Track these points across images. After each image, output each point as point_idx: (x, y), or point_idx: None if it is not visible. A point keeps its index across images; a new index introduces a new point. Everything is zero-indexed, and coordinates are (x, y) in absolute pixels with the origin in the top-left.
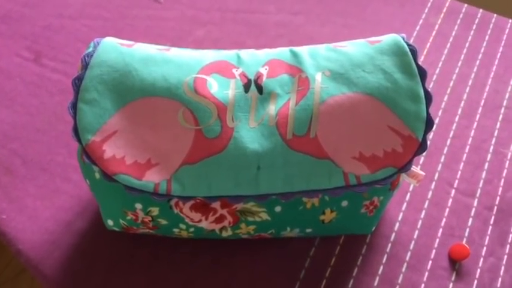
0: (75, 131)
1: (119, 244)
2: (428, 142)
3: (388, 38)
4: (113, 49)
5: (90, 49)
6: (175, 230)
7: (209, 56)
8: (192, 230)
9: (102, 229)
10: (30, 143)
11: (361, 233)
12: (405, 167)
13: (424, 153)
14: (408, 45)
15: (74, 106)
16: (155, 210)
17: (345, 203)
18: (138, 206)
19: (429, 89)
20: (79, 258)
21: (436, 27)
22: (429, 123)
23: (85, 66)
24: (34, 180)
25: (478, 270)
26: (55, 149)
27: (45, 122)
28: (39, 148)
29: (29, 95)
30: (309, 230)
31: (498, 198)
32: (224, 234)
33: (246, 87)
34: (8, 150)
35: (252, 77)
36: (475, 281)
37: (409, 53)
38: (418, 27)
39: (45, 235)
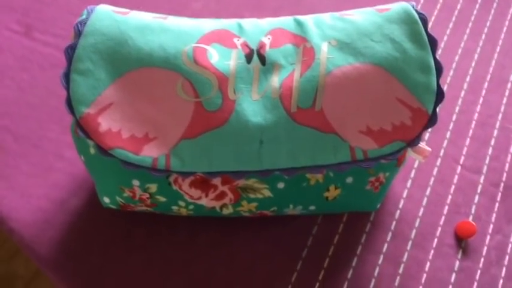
0: (69, 103)
1: (116, 223)
2: None
3: (397, 6)
4: (107, 17)
5: (84, 17)
6: (174, 208)
7: (209, 24)
8: (191, 207)
9: (97, 207)
10: (22, 119)
11: (366, 210)
12: (414, 141)
13: (429, 129)
14: (418, 13)
15: (67, 77)
16: (153, 187)
17: (349, 180)
18: (136, 182)
19: None
20: (74, 237)
21: (441, 0)
22: (439, 95)
23: (78, 34)
24: (26, 157)
25: (485, 248)
26: (47, 125)
27: (37, 97)
28: (31, 124)
29: (20, 70)
30: (312, 208)
31: (505, 174)
32: (225, 211)
33: (248, 57)
34: None
35: (254, 47)
36: (482, 259)
37: (420, 22)
38: (422, 0)
39: (39, 213)
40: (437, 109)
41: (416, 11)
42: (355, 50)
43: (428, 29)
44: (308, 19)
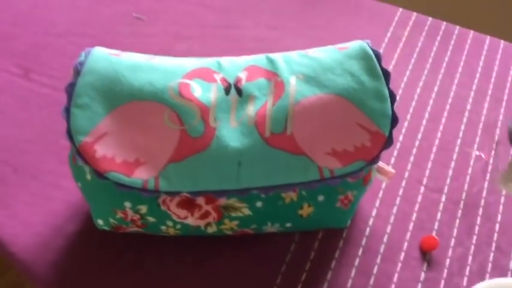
0: (69, 133)
1: (108, 245)
2: (399, 143)
3: (355, 44)
4: (102, 58)
5: (82, 58)
6: (163, 228)
7: (191, 63)
8: (178, 227)
9: (92, 232)
10: (21, 153)
11: (338, 227)
12: (374, 160)
13: (395, 154)
14: (373, 50)
15: (68, 110)
16: (143, 208)
17: (321, 198)
18: (128, 204)
19: (398, 95)
20: (70, 259)
21: (403, 39)
22: (394, 119)
23: (77, 73)
24: (25, 188)
25: (448, 260)
26: (45, 158)
27: (35, 133)
28: (30, 158)
29: (19, 109)
30: (288, 225)
31: (464, 193)
32: (209, 230)
33: (227, 90)
34: (0, 160)
35: (232, 81)
36: (445, 270)
37: (374, 57)
38: (386, 40)
39: (37, 238)
40: (399, 137)
41: (371, 48)
42: (319, 83)
43: (389, 68)
44: (278, 57)
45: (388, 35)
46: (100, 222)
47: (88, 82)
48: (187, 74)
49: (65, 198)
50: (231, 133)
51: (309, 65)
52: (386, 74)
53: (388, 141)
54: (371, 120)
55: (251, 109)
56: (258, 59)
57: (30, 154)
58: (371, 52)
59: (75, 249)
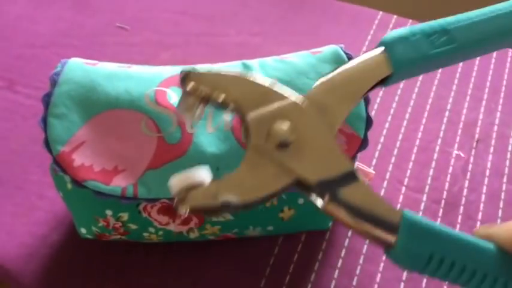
0: (46, 143)
1: (93, 254)
2: (380, 145)
3: (328, 49)
4: (78, 67)
5: (58, 68)
6: (145, 234)
7: (168, 70)
8: (161, 233)
9: (76, 240)
10: (6, 164)
11: (320, 229)
12: None
13: (376, 155)
14: (346, 53)
15: (44, 120)
16: (125, 216)
17: (301, 201)
18: (109, 212)
19: (378, 97)
20: (54, 268)
21: None
22: (368, 121)
23: (53, 84)
24: (10, 199)
25: None
26: (30, 168)
27: (20, 144)
28: (14, 169)
29: (3, 120)
30: (270, 228)
31: (445, 192)
32: (192, 236)
33: None
34: None
35: None
36: None
37: (347, 61)
38: (367, 43)
39: (23, 249)
40: (379, 139)
41: (344, 51)
42: (294, 87)
43: None
44: (254, 62)
45: (369, 38)
46: (83, 230)
47: (64, 92)
48: (164, 81)
49: (50, 208)
50: (208, 139)
51: (283, 70)
52: None
53: (363, 143)
54: (346, 122)
55: (227, 114)
56: (234, 65)
57: (15, 165)
58: (344, 55)
59: (60, 258)
